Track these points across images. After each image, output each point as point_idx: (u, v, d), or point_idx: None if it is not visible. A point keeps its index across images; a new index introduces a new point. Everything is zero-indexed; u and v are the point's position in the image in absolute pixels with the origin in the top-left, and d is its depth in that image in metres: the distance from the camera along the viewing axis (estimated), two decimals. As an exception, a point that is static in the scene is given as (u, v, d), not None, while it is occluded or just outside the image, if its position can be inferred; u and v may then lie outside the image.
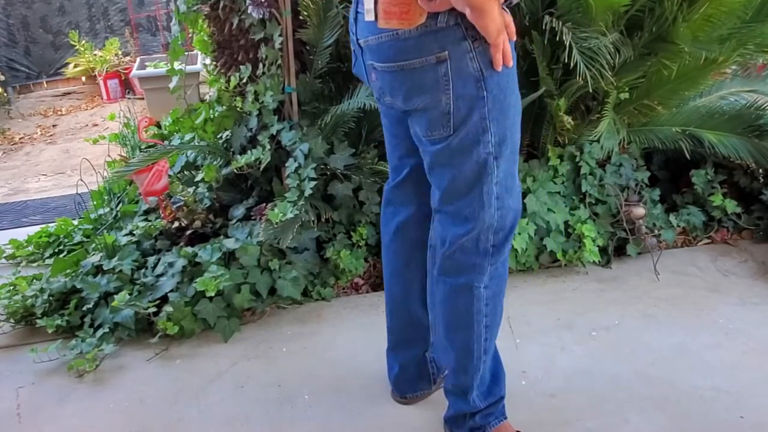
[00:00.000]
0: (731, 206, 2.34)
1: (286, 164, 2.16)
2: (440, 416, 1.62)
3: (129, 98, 5.56)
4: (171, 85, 2.57)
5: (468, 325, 1.38)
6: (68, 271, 2.23)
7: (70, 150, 4.62)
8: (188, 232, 2.28)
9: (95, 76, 5.88)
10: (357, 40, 1.26)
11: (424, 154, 1.30)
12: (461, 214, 1.29)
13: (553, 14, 1.93)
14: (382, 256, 1.59)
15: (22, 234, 2.70)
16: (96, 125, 5.23)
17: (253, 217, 2.24)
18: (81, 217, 2.70)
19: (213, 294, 1.97)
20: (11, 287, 2.19)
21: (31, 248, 2.61)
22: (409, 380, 1.67)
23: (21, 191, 3.82)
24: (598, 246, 2.24)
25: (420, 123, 1.24)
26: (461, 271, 1.34)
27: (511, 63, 1.19)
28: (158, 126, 3.12)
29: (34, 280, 2.22)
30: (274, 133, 2.20)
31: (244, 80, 2.27)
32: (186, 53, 2.58)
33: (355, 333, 2.00)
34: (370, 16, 1.17)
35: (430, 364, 1.67)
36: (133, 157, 2.47)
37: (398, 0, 1.11)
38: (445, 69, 1.16)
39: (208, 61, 2.84)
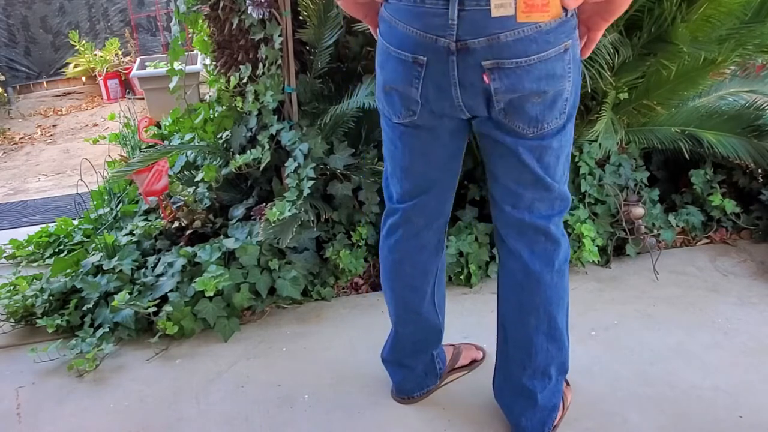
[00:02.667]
0: (730, 206, 2.34)
1: (286, 164, 2.16)
2: (440, 416, 1.63)
3: (129, 98, 5.56)
4: (171, 85, 2.58)
5: (565, 301, 1.45)
6: (68, 271, 2.24)
7: (70, 150, 4.62)
8: (188, 232, 2.28)
9: (95, 76, 5.89)
10: (460, 41, 1.12)
11: (533, 152, 1.26)
12: (563, 194, 1.35)
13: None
14: (389, 272, 1.53)
15: (22, 234, 2.71)
16: (96, 125, 5.24)
17: (252, 217, 2.25)
18: (81, 217, 2.71)
19: (213, 294, 1.98)
20: (11, 287, 2.20)
21: (31, 248, 2.61)
22: (416, 380, 1.67)
23: (21, 191, 3.82)
24: (598, 246, 2.24)
25: (542, 116, 1.22)
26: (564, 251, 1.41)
27: None
28: (158, 126, 3.12)
29: (34, 280, 2.22)
30: (274, 133, 2.20)
31: (244, 80, 2.27)
32: (186, 53, 2.58)
33: (355, 333, 2.00)
34: (506, 11, 1.09)
35: (436, 360, 1.67)
36: (133, 157, 2.47)
37: None
38: (569, 57, 1.17)
39: (208, 61, 2.84)
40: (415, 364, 1.64)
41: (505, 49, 1.12)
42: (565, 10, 1.12)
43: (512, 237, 1.39)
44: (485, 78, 1.15)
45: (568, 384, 1.66)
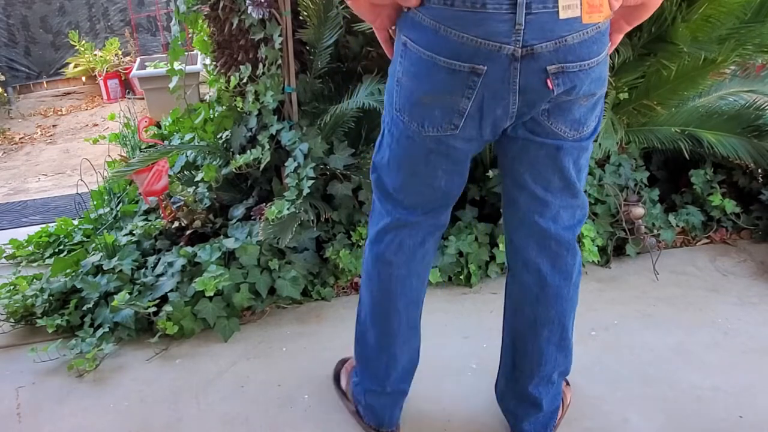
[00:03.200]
0: (730, 206, 2.34)
1: (286, 164, 2.16)
2: (440, 416, 1.63)
3: (129, 98, 5.57)
4: (171, 85, 2.58)
5: (575, 310, 1.43)
6: (68, 270, 2.24)
7: (70, 150, 4.63)
8: (188, 232, 2.28)
9: (95, 76, 5.89)
10: (527, 46, 1.05)
11: (570, 155, 1.23)
12: (584, 202, 1.34)
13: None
14: (392, 291, 1.42)
15: (22, 234, 2.71)
16: (96, 125, 5.24)
17: (252, 217, 2.25)
18: (81, 217, 2.71)
19: (212, 294, 1.98)
20: (11, 287, 2.19)
21: (31, 248, 2.61)
22: (399, 405, 1.60)
23: (21, 191, 3.82)
24: (598, 246, 2.24)
25: (585, 118, 1.20)
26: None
27: None
28: (158, 126, 3.13)
29: (34, 280, 2.22)
30: (274, 133, 2.20)
31: (244, 80, 2.27)
32: (186, 53, 2.58)
33: (355, 333, 2.00)
34: (573, 12, 1.05)
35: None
36: (133, 157, 2.47)
37: None
38: (606, 57, 1.16)
39: (208, 61, 2.85)
40: (407, 386, 1.57)
41: (570, 52, 1.08)
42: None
43: (532, 249, 1.34)
44: (549, 83, 1.10)
45: (567, 383, 1.66)
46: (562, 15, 1.04)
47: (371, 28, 1.26)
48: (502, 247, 2.18)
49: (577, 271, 1.38)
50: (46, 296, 2.10)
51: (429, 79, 1.13)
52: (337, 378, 1.73)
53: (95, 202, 2.77)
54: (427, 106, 1.17)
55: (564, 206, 1.30)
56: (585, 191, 2.25)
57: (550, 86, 1.10)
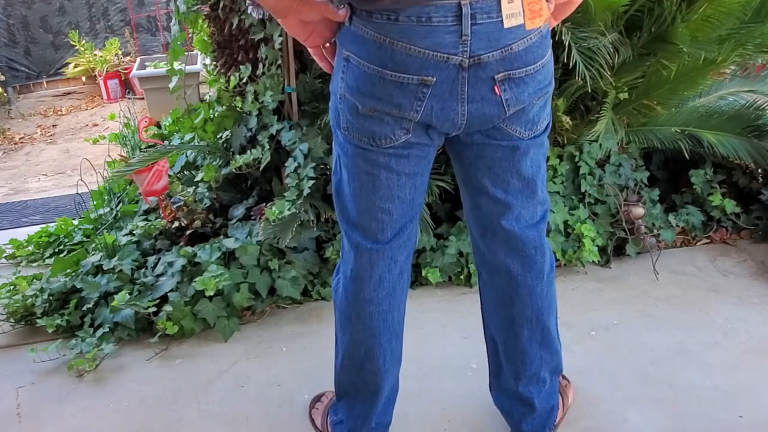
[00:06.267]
0: (730, 206, 2.34)
1: (286, 164, 2.16)
2: (440, 416, 1.63)
3: (129, 98, 5.57)
4: (171, 85, 2.58)
5: (554, 306, 1.44)
6: (68, 270, 2.24)
7: (70, 150, 4.63)
8: (188, 232, 2.28)
9: (95, 76, 5.90)
10: (474, 56, 1.06)
11: (527, 154, 1.24)
12: (545, 198, 1.33)
13: (552, 14, 1.93)
14: (374, 328, 1.36)
15: (22, 234, 2.71)
16: (96, 125, 5.24)
17: (252, 217, 2.25)
18: (81, 217, 2.71)
19: (212, 293, 1.98)
20: (11, 287, 2.20)
21: (31, 248, 2.61)
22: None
23: (21, 191, 3.82)
24: (598, 246, 2.24)
25: (537, 117, 1.21)
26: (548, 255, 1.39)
27: None
28: (158, 126, 3.13)
29: (34, 280, 2.22)
30: (274, 133, 2.20)
31: (244, 80, 2.27)
32: (186, 53, 2.58)
33: (355, 333, 2.00)
34: (516, 20, 1.07)
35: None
36: (133, 157, 2.47)
37: None
38: (551, 56, 1.17)
39: (208, 61, 2.85)
40: (390, 418, 1.52)
41: (516, 60, 1.09)
42: None
43: (500, 252, 1.33)
44: (496, 90, 1.10)
45: (569, 382, 1.66)
46: (507, 24, 1.06)
47: None
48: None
49: (549, 267, 1.38)
50: (46, 296, 2.10)
51: (375, 93, 1.11)
52: (312, 418, 1.65)
53: (95, 202, 2.77)
54: (374, 119, 1.15)
55: (525, 205, 1.30)
56: (585, 191, 2.27)
57: (497, 92, 1.11)
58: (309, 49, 1.23)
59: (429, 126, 1.15)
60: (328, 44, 1.19)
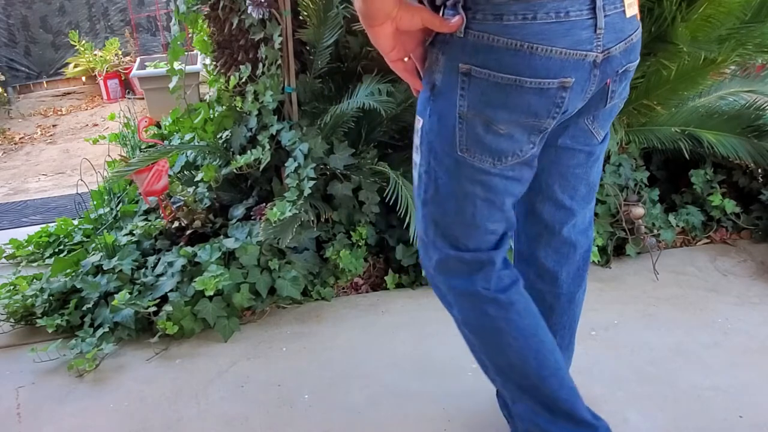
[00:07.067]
0: (730, 206, 2.34)
1: (286, 164, 2.16)
2: (440, 416, 1.62)
3: (129, 98, 5.56)
4: (171, 85, 2.58)
5: None
6: (68, 270, 2.24)
7: (70, 150, 4.63)
8: (188, 232, 2.28)
9: (95, 76, 5.89)
10: (605, 50, 0.99)
11: (598, 160, 1.21)
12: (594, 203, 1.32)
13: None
14: (532, 327, 1.23)
15: (22, 234, 2.71)
16: (96, 125, 5.24)
17: (252, 217, 2.25)
18: (81, 217, 2.71)
19: (212, 293, 1.98)
20: (11, 287, 2.20)
21: (31, 248, 2.61)
22: None
23: (21, 191, 3.82)
24: (598, 246, 2.24)
25: (611, 115, 1.17)
26: None
27: None
28: (158, 126, 3.13)
29: (34, 280, 2.22)
30: (274, 133, 2.20)
31: (244, 80, 2.27)
32: (186, 53, 2.58)
33: (355, 333, 2.00)
34: (634, 9, 1.02)
35: None
36: (133, 157, 2.47)
37: None
38: None
39: (208, 61, 2.85)
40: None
41: (633, 51, 1.05)
42: None
43: (551, 258, 1.29)
44: (608, 83, 1.05)
45: None
46: (629, 13, 1.01)
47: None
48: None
49: (586, 275, 1.36)
50: (46, 296, 2.10)
51: (509, 105, 1.00)
52: None
53: (95, 202, 2.77)
54: (503, 136, 1.04)
55: (582, 211, 1.28)
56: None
57: (608, 83, 1.05)
58: (390, 63, 1.09)
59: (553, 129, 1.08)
60: (407, 58, 1.08)
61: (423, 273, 2.16)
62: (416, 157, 1.15)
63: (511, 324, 1.20)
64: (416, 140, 1.14)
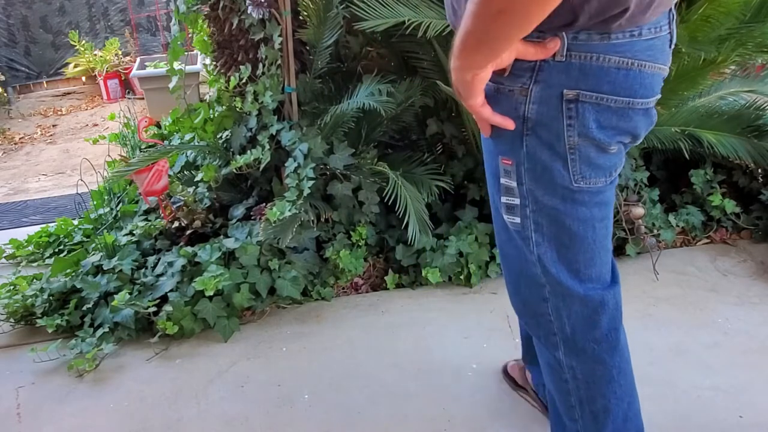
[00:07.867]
0: (730, 206, 2.34)
1: (286, 164, 2.16)
2: (440, 416, 1.62)
3: (129, 98, 5.56)
4: (171, 85, 2.58)
5: None
6: (68, 270, 2.24)
7: (70, 150, 4.62)
8: (188, 232, 2.28)
9: (95, 76, 5.89)
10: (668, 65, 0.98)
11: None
12: None
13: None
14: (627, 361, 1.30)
15: (22, 234, 2.71)
16: (96, 125, 5.24)
17: (252, 217, 2.25)
18: (81, 217, 2.71)
19: (212, 293, 1.98)
20: (11, 287, 2.20)
21: (31, 248, 2.61)
22: None
23: (21, 191, 3.82)
24: (598, 246, 2.24)
25: None
26: None
27: None
28: (158, 126, 3.13)
29: (34, 280, 2.22)
30: (274, 133, 2.20)
31: (244, 80, 2.27)
32: (186, 53, 2.58)
33: (355, 333, 2.00)
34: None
35: None
36: (133, 157, 2.47)
37: None
38: None
39: (208, 61, 2.85)
40: None
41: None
42: None
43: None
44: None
45: None
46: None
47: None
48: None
49: None
50: (46, 296, 2.10)
51: (621, 127, 0.94)
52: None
53: (95, 202, 2.77)
54: (613, 153, 0.98)
55: None
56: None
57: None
58: (475, 111, 0.95)
59: None
60: (480, 99, 0.94)
61: (423, 274, 2.16)
62: (509, 200, 1.04)
63: (620, 372, 1.24)
64: (508, 182, 1.02)
